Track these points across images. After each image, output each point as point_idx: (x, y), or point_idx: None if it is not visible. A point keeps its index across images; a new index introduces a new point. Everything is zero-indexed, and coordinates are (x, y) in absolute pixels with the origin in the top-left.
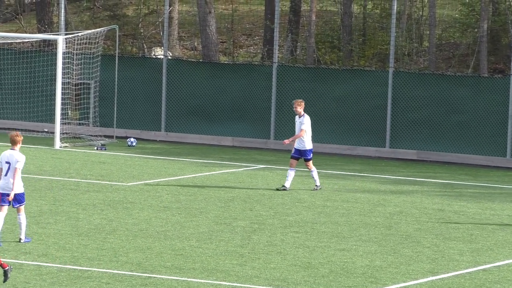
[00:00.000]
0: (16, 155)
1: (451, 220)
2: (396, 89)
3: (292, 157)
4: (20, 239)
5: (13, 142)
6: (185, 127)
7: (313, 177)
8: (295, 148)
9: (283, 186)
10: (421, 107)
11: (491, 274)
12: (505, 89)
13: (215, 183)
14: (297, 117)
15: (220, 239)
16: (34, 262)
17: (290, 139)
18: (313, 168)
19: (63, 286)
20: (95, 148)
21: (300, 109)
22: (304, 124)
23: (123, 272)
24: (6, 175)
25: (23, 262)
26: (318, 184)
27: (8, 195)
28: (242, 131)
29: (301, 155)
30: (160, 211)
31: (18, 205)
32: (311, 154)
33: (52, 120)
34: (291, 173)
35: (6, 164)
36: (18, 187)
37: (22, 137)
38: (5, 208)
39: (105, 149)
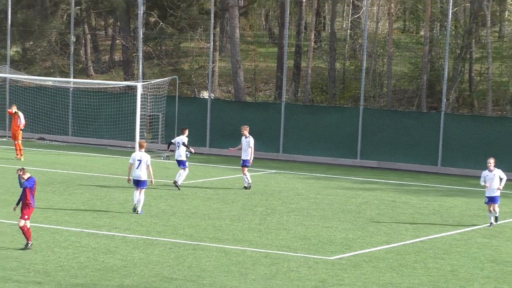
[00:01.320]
0: (144, 155)
1: (400, 208)
2: (365, 120)
3: (243, 165)
4: (138, 211)
5: (141, 146)
6: (222, 144)
7: (246, 179)
8: (243, 160)
9: (246, 186)
10: (381, 131)
11: (426, 244)
12: (438, 120)
13: (243, 182)
14: (243, 137)
15: (245, 219)
16: (121, 234)
17: (235, 149)
18: (247, 173)
19: (141, 250)
20: (162, 158)
21: (246, 132)
22: (251, 143)
23: (180, 241)
24: (137, 168)
25: (114, 234)
26: (248, 184)
27: (141, 182)
28: (261, 147)
29: (244, 163)
30: (205, 200)
31: (141, 187)
32: (249, 163)
33: (133, 139)
34: (247, 175)
35: (138, 161)
36: (145, 175)
37: (146, 143)
38: (139, 189)
39: (169, 159)
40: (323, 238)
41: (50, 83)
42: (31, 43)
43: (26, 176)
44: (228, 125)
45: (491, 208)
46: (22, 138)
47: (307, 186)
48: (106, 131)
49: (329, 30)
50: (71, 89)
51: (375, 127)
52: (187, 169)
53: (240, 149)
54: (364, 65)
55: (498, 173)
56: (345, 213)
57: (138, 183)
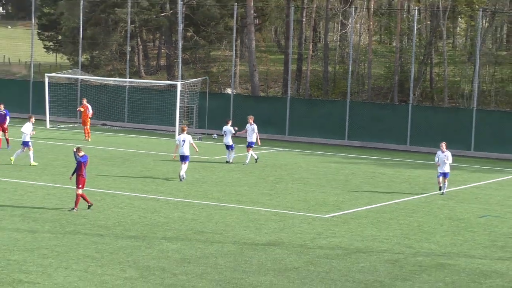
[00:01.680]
0: (187, 136)
1: (378, 178)
2: (351, 110)
3: (249, 146)
4: (183, 176)
5: (183, 130)
6: (242, 129)
7: (253, 155)
8: (248, 141)
9: (256, 160)
10: (363, 119)
11: (398, 205)
12: (406, 110)
13: (257, 159)
14: (248, 124)
15: (260, 186)
16: (164, 197)
17: (241, 132)
18: (252, 152)
19: (179, 209)
20: (196, 139)
21: (251, 120)
22: (256, 129)
23: (210, 203)
24: (182, 146)
25: (159, 197)
26: (256, 157)
27: (185, 157)
28: (271, 130)
29: (250, 145)
30: (229, 172)
31: (185, 161)
32: (254, 145)
33: (174, 124)
34: (250, 154)
35: (182, 141)
36: (188, 151)
37: (187, 128)
38: (185, 163)
39: (201, 140)
40: (319, 201)
41: (111, 82)
42: (97, 52)
43: (81, 154)
44: (246, 114)
45: (441, 181)
46: (90, 124)
47: (307, 161)
48: (153, 118)
49: (323, 42)
50: (127, 87)
51: (359, 115)
52: (234, 149)
53: (246, 132)
54: (350, 68)
55: (448, 154)
56: (336, 181)
57: (183, 158)
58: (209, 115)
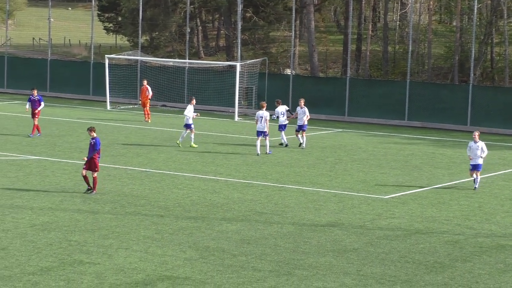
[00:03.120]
0: (265, 113)
1: (438, 158)
2: (411, 90)
3: (297, 130)
4: (267, 152)
5: (262, 107)
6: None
7: (303, 140)
8: (298, 125)
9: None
10: (422, 99)
11: (458, 185)
12: (467, 90)
13: (316, 138)
14: (299, 107)
15: (318, 167)
16: (224, 178)
17: (292, 116)
18: (305, 136)
19: (239, 191)
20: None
21: (302, 103)
22: (307, 112)
23: (270, 184)
24: (261, 122)
25: (219, 178)
26: (304, 145)
27: (262, 132)
28: (331, 111)
29: (301, 128)
30: (288, 152)
31: (265, 136)
32: (306, 128)
33: (233, 105)
34: (299, 137)
35: (261, 117)
36: (266, 128)
37: (266, 105)
38: (260, 139)
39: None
40: (379, 182)
41: (171, 63)
42: (156, 33)
43: (94, 135)
44: (305, 94)
45: (474, 174)
46: (150, 105)
47: (366, 141)
48: (213, 99)
49: (383, 22)
50: (187, 68)
51: (419, 95)
52: (285, 130)
53: (296, 117)
54: (410, 48)
55: (481, 144)
56: (395, 162)
57: (259, 133)
58: (268, 96)
